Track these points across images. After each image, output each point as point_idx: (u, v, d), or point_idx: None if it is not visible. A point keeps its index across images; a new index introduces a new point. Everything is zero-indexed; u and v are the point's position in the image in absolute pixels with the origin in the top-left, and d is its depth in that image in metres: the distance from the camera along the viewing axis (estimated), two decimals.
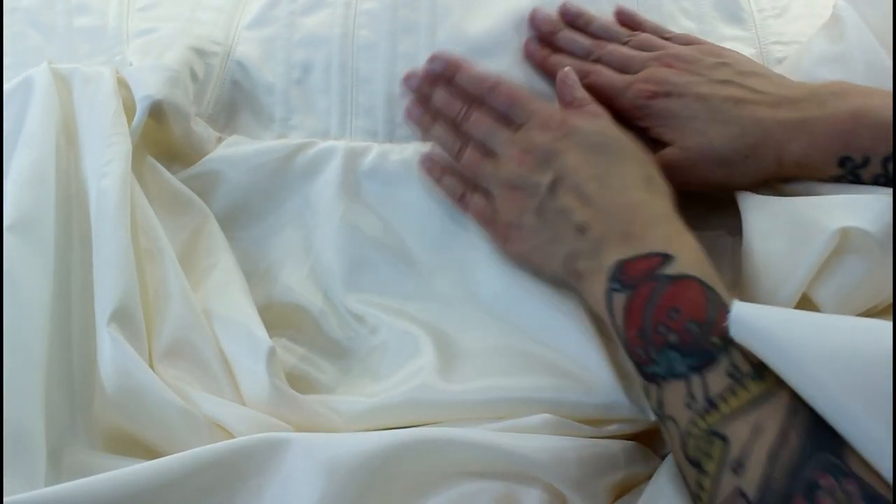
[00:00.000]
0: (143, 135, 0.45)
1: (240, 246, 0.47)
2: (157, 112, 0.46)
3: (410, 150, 0.50)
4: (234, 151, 0.49)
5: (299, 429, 0.39)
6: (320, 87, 0.52)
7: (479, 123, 0.46)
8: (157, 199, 0.44)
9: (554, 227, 0.41)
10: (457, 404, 0.40)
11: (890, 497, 0.27)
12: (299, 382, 0.43)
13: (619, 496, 0.38)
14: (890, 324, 0.29)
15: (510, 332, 0.44)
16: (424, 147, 0.50)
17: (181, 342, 0.40)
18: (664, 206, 0.40)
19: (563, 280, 0.42)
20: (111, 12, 0.53)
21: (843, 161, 0.41)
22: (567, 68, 0.47)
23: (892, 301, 0.42)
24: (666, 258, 0.36)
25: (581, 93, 0.46)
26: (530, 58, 0.52)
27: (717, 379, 0.33)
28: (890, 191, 0.40)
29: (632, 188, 0.40)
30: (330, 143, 0.50)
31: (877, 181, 0.41)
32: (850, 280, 0.40)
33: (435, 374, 0.41)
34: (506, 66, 0.52)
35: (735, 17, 0.56)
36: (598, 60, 0.50)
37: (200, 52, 0.51)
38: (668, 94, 0.45)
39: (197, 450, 0.34)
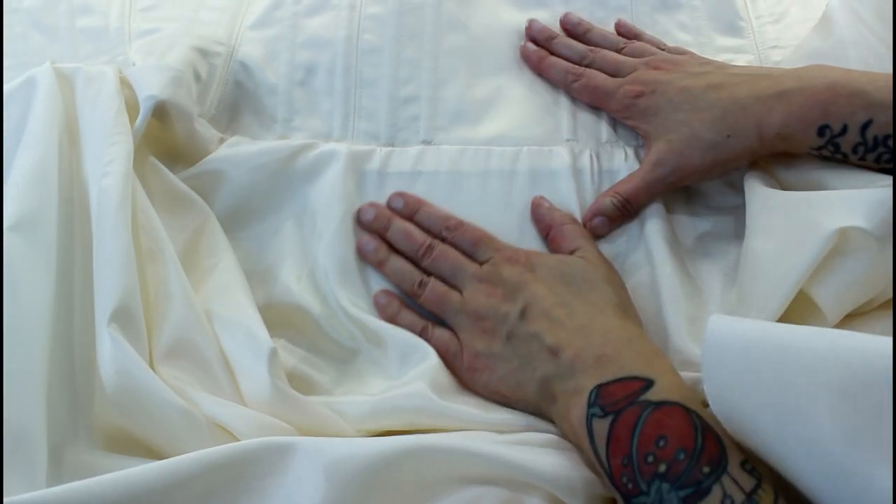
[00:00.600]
0: (145, 134, 0.45)
1: (240, 246, 0.47)
2: (161, 112, 0.46)
3: (412, 154, 0.50)
4: (235, 151, 0.49)
5: (300, 429, 0.39)
6: (323, 89, 0.52)
7: (446, 257, 0.45)
8: (159, 199, 0.44)
9: (525, 352, 0.41)
10: (458, 416, 0.40)
11: None
12: (299, 383, 0.43)
13: None
14: (879, 338, 0.29)
15: None
16: (427, 149, 0.51)
17: (182, 342, 0.39)
18: (636, 331, 0.40)
19: (536, 408, 0.41)
20: (113, 13, 0.53)
21: (822, 130, 0.42)
22: (536, 198, 0.48)
23: (886, 298, 0.42)
24: (647, 382, 0.36)
25: (556, 214, 0.47)
26: (527, 59, 0.53)
27: None
28: (888, 185, 0.40)
29: (601, 313, 0.41)
30: (332, 145, 0.50)
31: (856, 150, 0.41)
32: (848, 279, 0.40)
33: (439, 378, 0.41)
34: (504, 78, 0.53)
35: (732, 26, 0.57)
36: (590, 65, 0.52)
37: (203, 53, 0.51)
38: (653, 92, 0.47)
39: (201, 452, 0.34)
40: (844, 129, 0.41)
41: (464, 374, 0.43)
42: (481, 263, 0.45)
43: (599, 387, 0.36)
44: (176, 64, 0.48)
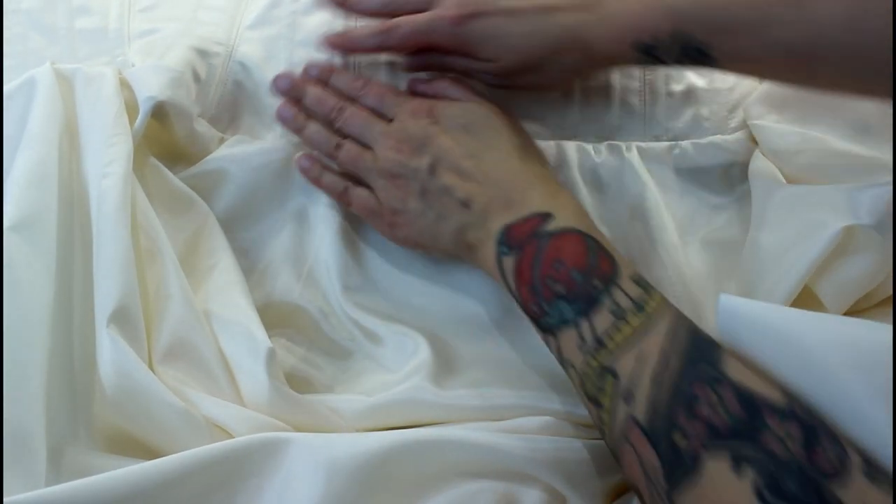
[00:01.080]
0: (145, 135, 0.45)
1: (240, 245, 0.47)
2: (160, 113, 0.46)
3: None
4: (236, 151, 0.49)
5: (299, 429, 0.39)
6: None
7: (355, 118, 0.47)
8: (159, 199, 0.44)
9: (439, 205, 0.43)
10: (455, 406, 0.40)
11: (765, 392, 0.30)
12: (298, 382, 0.43)
13: (618, 496, 0.38)
14: (887, 317, 0.30)
15: (510, 341, 0.44)
16: None
17: (181, 343, 0.40)
18: (539, 170, 0.43)
19: (455, 255, 0.44)
20: (112, 14, 0.53)
21: (638, 45, 0.44)
22: (411, 79, 0.49)
23: (884, 296, 0.43)
24: (546, 216, 0.39)
25: (437, 84, 0.48)
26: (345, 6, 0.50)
27: (602, 319, 0.35)
28: (888, 183, 0.40)
29: (506, 159, 0.43)
30: None
31: (671, 57, 0.43)
32: (852, 275, 0.41)
33: (433, 374, 0.42)
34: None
35: None
36: (396, 12, 0.48)
37: (202, 53, 0.51)
38: (475, 16, 0.45)
39: (197, 450, 0.34)
40: (658, 42, 0.43)
41: (385, 230, 0.46)
42: (390, 120, 0.46)
43: (506, 227, 0.40)
44: (175, 65, 0.48)
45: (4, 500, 0.31)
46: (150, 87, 0.45)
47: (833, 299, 0.41)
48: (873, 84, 0.39)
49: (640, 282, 0.37)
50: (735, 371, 0.32)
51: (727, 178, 0.51)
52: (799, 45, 0.39)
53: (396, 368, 0.43)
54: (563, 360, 0.37)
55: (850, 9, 0.37)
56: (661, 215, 0.48)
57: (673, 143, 0.51)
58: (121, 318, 0.38)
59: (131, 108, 0.45)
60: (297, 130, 0.48)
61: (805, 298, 0.41)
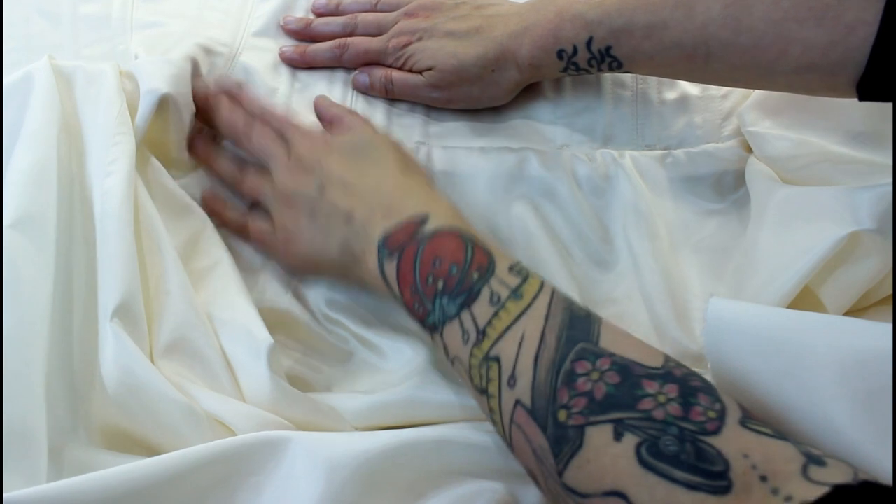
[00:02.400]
0: (145, 138, 0.45)
1: (233, 249, 0.47)
2: (162, 106, 0.46)
3: None
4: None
5: (300, 426, 0.39)
6: (322, 93, 0.53)
7: (260, 140, 0.47)
8: (158, 200, 0.44)
9: (326, 222, 0.43)
10: (456, 406, 0.41)
11: (641, 362, 0.32)
12: (295, 382, 0.43)
13: None
14: (880, 323, 0.30)
15: None
16: (420, 149, 0.51)
17: (181, 339, 0.40)
18: (419, 180, 0.44)
19: (343, 272, 0.44)
20: (116, 2, 0.53)
21: (560, 54, 0.48)
22: (318, 96, 0.51)
23: (882, 295, 0.43)
24: (423, 219, 0.40)
25: (336, 109, 0.49)
26: (290, 62, 0.54)
27: (482, 309, 0.36)
28: (888, 184, 0.41)
29: (388, 174, 0.44)
30: None
31: (591, 64, 0.47)
32: (857, 281, 0.41)
33: (433, 373, 0.42)
34: None
35: None
36: (353, 32, 0.54)
37: (207, 51, 0.51)
38: (420, 39, 0.51)
39: (197, 447, 0.34)
40: (575, 50, 0.47)
41: (279, 256, 0.46)
42: (289, 147, 0.47)
43: (385, 233, 0.41)
44: (179, 61, 0.48)
45: (5, 496, 0.31)
46: (154, 80, 0.45)
47: (835, 303, 0.41)
48: (760, 77, 0.44)
49: (518, 269, 0.38)
50: (612, 343, 0.33)
51: (720, 186, 0.51)
52: (689, 43, 0.43)
53: (396, 369, 0.44)
54: (450, 358, 0.38)
55: (728, 7, 0.41)
56: (654, 223, 0.49)
57: (665, 151, 0.52)
58: (124, 313, 0.38)
59: (132, 107, 0.45)
60: (210, 163, 0.49)
61: (807, 300, 0.42)
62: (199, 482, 0.34)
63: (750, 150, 0.51)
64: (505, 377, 0.34)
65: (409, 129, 0.52)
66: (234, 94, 0.49)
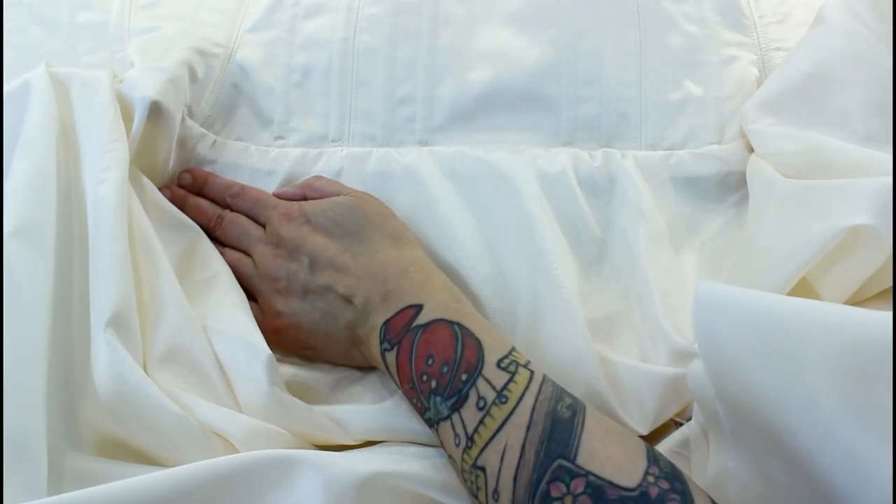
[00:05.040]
0: (136, 154, 0.45)
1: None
2: (154, 112, 0.46)
3: (409, 157, 0.50)
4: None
5: (296, 435, 0.39)
6: (320, 90, 0.53)
7: (233, 226, 0.47)
8: (153, 210, 0.44)
9: (323, 303, 0.43)
10: None
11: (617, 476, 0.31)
12: (297, 389, 0.43)
13: None
14: (872, 311, 0.29)
15: None
16: (423, 151, 0.51)
17: (176, 348, 0.40)
18: (412, 255, 0.43)
19: (347, 357, 0.44)
20: (113, 9, 0.53)
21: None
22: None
23: (878, 290, 0.43)
24: (418, 309, 0.40)
25: (305, 182, 0.48)
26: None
27: (470, 414, 0.36)
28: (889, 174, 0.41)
29: (379, 249, 0.43)
30: (329, 149, 0.51)
31: None
32: (856, 276, 0.41)
33: None
34: (504, 67, 0.53)
35: (737, 22, 0.56)
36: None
37: (202, 53, 0.51)
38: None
39: (204, 462, 0.34)
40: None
41: (270, 338, 0.42)
42: (265, 226, 0.46)
43: (385, 323, 0.40)
44: (173, 65, 0.48)
45: None
46: (146, 88, 0.45)
47: (832, 297, 0.41)
48: None
49: (507, 363, 0.37)
50: (590, 456, 0.32)
51: (723, 188, 0.51)
52: None
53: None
54: (447, 454, 0.38)
55: None
56: (656, 223, 0.48)
57: (669, 152, 0.52)
58: (118, 322, 0.38)
59: (126, 116, 0.45)
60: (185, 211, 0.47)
61: (805, 295, 0.41)
62: (206, 498, 0.34)
63: (753, 152, 0.51)
64: (490, 489, 0.34)
65: (410, 125, 0.52)
66: (199, 184, 0.49)
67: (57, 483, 0.35)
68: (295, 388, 0.42)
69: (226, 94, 0.52)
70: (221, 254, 0.46)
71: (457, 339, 0.38)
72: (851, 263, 0.40)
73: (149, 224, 0.43)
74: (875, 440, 0.27)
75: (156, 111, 0.45)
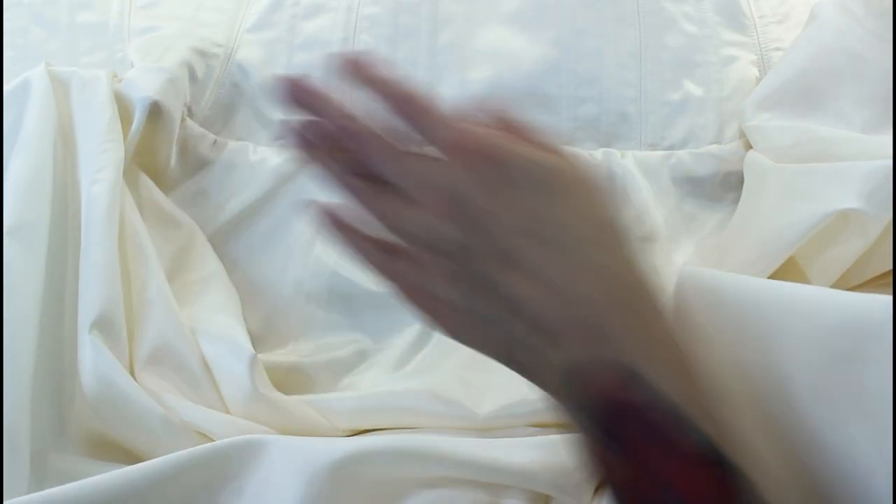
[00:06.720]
0: (136, 149, 0.45)
1: (229, 258, 0.47)
2: (154, 113, 0.46)
3: None
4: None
5: (282, 431, 0.39)
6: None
7: (413, 217, 0.29)
8: (148, 210, 0.44)
9: (483, 300, 0.28)
10: (444, 414, 0.40)
11: None
12: (300, 377, 0.43)
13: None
14: (853, 294, 0.29)
15: None
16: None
17: (163, 348, 0.40)
18: (640, 284, 0.28)
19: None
20: (113, 9, 0.53)
21: None
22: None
23: (874, 274, 0.43)
24: (630, 376, 0.25)
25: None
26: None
27: None
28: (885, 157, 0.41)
29: (586, 244, 0.27)
30: None
31: None
32: (844, 259, 0.41)
33: (434, 377, 0.42)
34: (504, 66, 0.53)
35: (737, 22, 0.56)
36: None
37: (202, 53, 0.51)
38: None
39: (179, 453, 0.34)
40: None
41: (428, 320, 0.30)
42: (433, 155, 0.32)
43: (575, 370, 0.27)
44: (172, 65, 0.48)
45: None
46: (146, 88, 0.45)
47: (819, 281, 0.41)
48: None
49: None
50: None
51: (723, 187, 0.51)
52: None
53: (396, 370, 0.44)
54: None
55: None
56: (655, 222, 0.48)
57: (669, 151, 0.52)
58: (103, 324, 0.38)
59: (128, 112, 0.45)
60: (332, 171, 0.32)
61: (796, 279, 0.42)
62: (182, 487, 0.34)
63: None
64: None
65: None
66: (318, 105, 0.31)
67: (40, 482, 0.35)
68: (297, 376, 0.42)
69: (226, 94, 0.52)
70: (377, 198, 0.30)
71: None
72: (841, 246, 0.41)
73: (142, 224, 0.43)
74: (846, 420, 0.26)
75: (156, 111, 0.45)
